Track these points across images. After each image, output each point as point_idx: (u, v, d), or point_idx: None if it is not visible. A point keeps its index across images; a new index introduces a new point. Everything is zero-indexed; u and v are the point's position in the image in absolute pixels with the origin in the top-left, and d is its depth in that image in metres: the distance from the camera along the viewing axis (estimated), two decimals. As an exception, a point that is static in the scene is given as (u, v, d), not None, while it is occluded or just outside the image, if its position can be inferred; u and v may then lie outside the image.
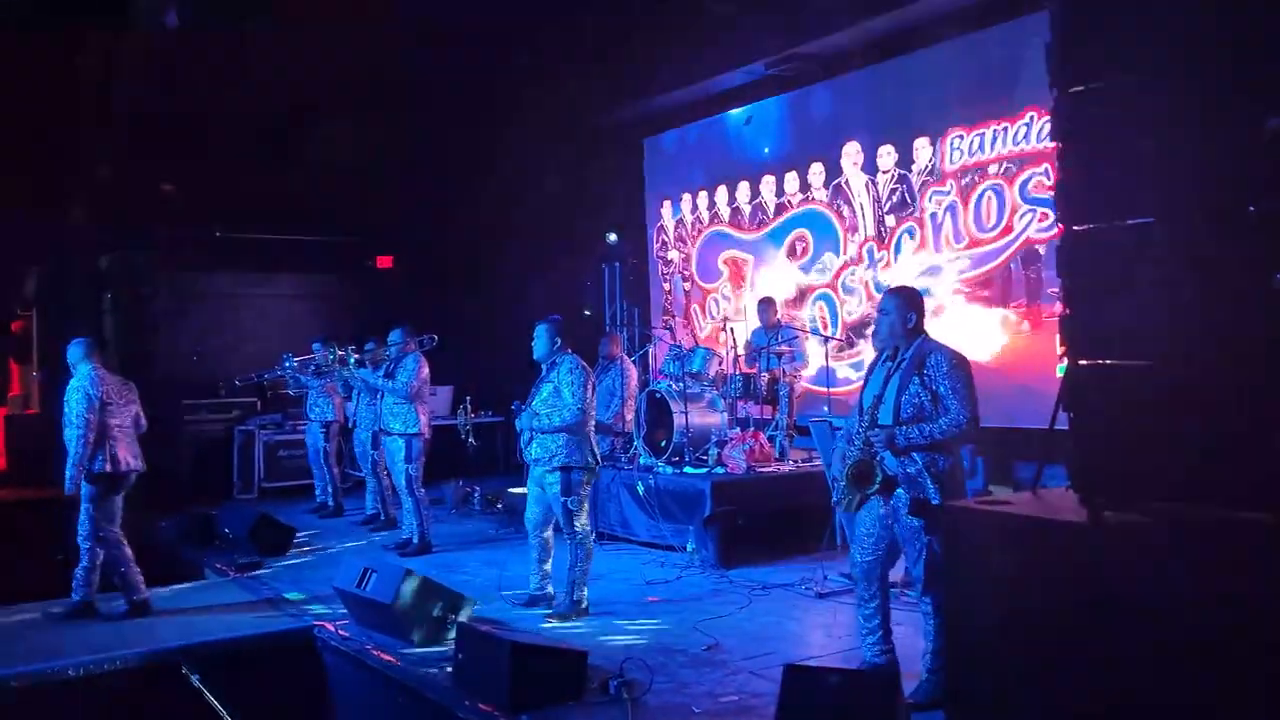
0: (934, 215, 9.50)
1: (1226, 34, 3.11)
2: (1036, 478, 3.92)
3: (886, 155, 10.01)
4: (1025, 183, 8.70)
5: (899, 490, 4.58)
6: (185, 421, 11.95)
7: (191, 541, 9.01)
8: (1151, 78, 3.26)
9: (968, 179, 9.16)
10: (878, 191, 10.11)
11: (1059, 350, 3.58)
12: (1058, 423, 3.61)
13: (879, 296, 9.16)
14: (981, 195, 9.07)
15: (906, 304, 4.73)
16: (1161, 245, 3.23)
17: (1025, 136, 8.67)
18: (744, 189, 11.71)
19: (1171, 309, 3.19)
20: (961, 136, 9.20)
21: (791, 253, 11.05)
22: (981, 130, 9.02)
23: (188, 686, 5.57)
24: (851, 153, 10.38)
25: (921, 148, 9.63)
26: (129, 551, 6.80)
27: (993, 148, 8.95)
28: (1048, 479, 4.32)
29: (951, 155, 9.30)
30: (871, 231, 10.19)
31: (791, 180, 11.08)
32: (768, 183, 11.39)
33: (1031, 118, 8.59)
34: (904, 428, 4.54)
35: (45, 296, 12.58)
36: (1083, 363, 3.38)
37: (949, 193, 9.37)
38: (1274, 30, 3.03)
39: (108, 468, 6.58)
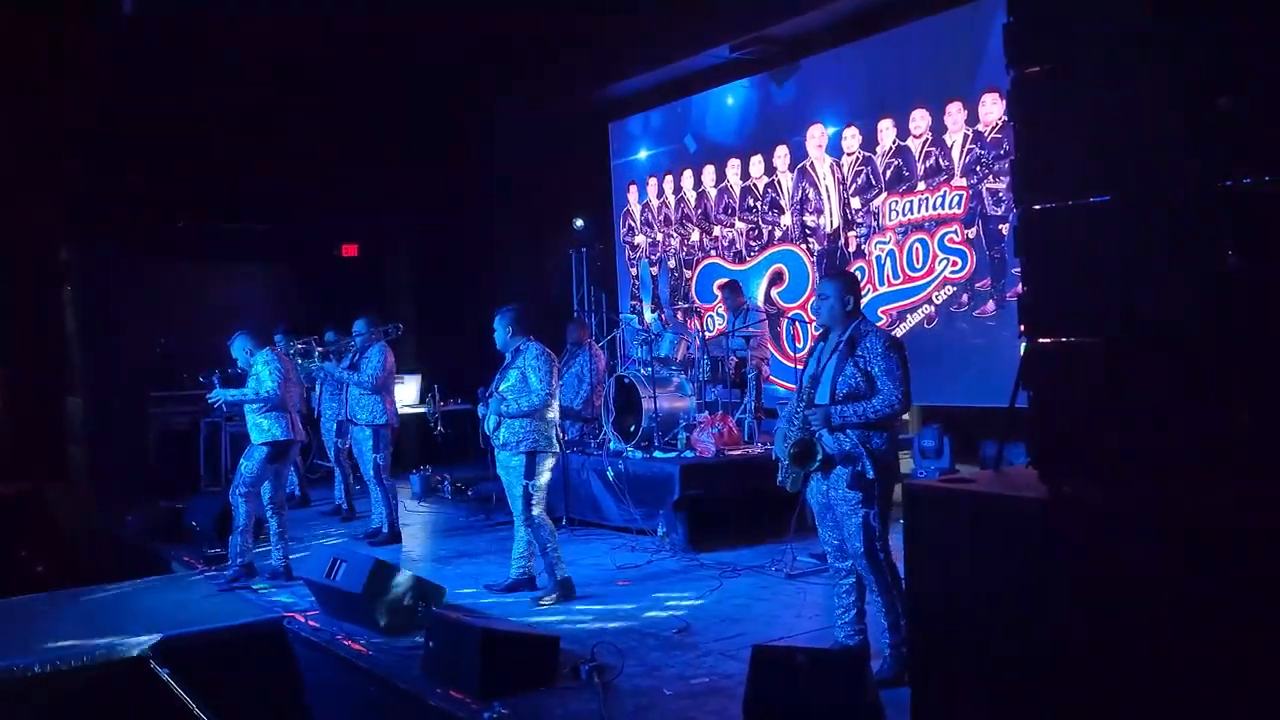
0: (878, 258, 9.78)
1: (1181, 14, 3.14)
2: (998, 455, 3.96)
3: (851, 138, 10.06)
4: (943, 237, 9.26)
5: (837, 468, 4.69)
6: (150, 414, 11.84)
7: (158, 535, 8.93)
8: (1108, 57, 3.29)
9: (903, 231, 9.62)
10: (842, 174, 10.15)
11: (1020, 329, 3.62)
12: (1018, 401, 3.64)
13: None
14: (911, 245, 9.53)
15: (845, 288, 4.85)
16: (1118, 224, 3.26)
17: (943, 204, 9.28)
18: (709, 173, 11.72)
19: (1129, 287, 3.22)
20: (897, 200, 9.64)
21: (773, 282, 11.11)
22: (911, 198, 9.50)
23: (156, 680, 5.53)
24: (816, 135, 10.42)
25: (885, 130, 9.69)
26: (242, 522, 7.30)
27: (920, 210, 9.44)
28: (1013, 457, 4.37)
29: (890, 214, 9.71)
30: (838, 214, 10.24)
31: (756, 163, 11.11)
32: (733, 166, 11.41)
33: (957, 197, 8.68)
34: (839, 406, 4.65)
35: (4, 288, 12.39)
36: (1041, 341, 3.41)
37: (888, 242, 9.70)
38: (1226, 10, 3.06)
39: (291, 434, 7.28)
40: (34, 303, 11.71)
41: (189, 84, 10.74)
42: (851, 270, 9.40)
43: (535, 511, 6.38)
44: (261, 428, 7.21)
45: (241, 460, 7.36)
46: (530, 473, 6.33)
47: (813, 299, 4.95)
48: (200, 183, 11.65)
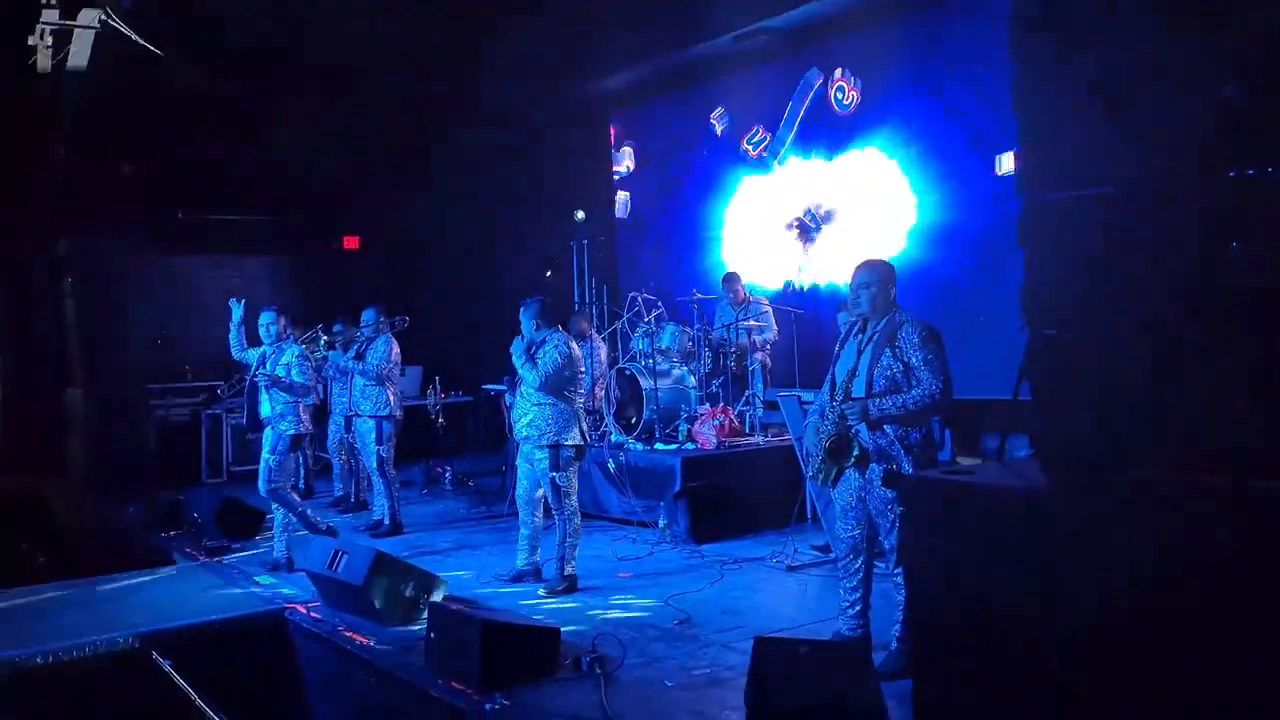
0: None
1: (1186, 6, 3.13)
2: (1000, 447, 3.95)
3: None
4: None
5: (873, 464, 4.62)
6: (152, 406, 11.84)
7: (160, 527, 8.94)
8: (1109, 48, 3.28)
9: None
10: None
11: (1021, 320, 3.60)
12: (1020, 392, 3.64)
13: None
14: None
15: (885, 277, 4.77)
16: (1121, 215, 3.26)
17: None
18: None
19: (1131, 278, 3.22)
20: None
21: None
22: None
23: (158, 671, 5.53)
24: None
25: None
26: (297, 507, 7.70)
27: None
28: (1015, 449, 4.36)
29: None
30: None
31: (758, 155, 11.10)
32: (734, 158, 11.40)
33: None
34: (877, 399, 4.56)
35: (3, 282, 12.37)
36: (1043, 332, 3.40)
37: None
38: (1230, 3, 3.05)
39: (301, 429, 7.60)
40: (32, 295, 11.71)
41: (188, 75, 10.70)
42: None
43: (566, 502, 6.45)
44: (287, 418, 7.43)
45: (265, 455, 7.50)
46: (555, 465, 6.40)
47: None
48: (200, 175, 11.61)
